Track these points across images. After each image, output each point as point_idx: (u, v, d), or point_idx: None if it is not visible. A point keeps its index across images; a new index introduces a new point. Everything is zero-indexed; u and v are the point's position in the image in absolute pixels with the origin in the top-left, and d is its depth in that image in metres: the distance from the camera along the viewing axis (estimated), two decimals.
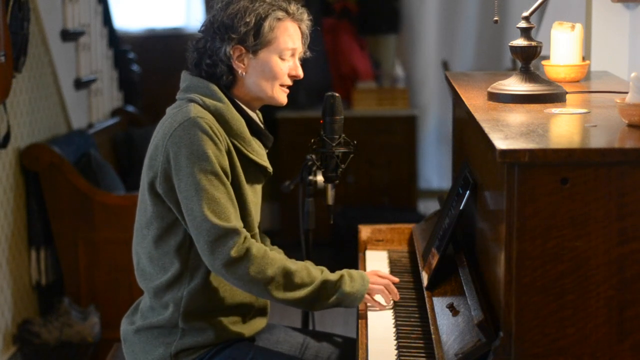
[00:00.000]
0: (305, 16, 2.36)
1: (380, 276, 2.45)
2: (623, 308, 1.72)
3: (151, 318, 2.35)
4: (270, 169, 2.39)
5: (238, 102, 2.34)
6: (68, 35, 4.68)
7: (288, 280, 2.25)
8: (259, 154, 2.36)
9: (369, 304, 2.36)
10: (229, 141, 2.27)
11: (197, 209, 2.19)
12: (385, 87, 6.19)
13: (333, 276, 2.31)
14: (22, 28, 3.76)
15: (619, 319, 1.72)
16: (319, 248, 2.94)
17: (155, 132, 2.32)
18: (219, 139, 2.23)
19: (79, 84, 4.85)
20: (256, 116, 2.43)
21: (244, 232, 2.23)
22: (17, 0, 3.66)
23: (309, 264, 2.53)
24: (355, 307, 2.33)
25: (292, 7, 2.33)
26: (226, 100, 2.30)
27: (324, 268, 2.47)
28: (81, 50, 4.91)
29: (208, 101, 2.28)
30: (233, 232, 2.20)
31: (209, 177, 2.20)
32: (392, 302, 2.38)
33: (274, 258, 2.25)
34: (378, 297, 2.37)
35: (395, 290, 2.39)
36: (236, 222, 2.23)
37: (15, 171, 4.07)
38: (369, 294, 2.34)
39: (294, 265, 2.28)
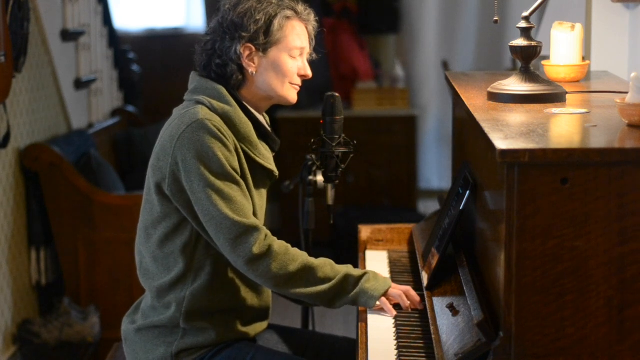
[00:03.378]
0: (312, 17, 2.38)
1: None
2: (623, 308, 1.72)
3: (152, 317, 2.35)
4: (276, 172, 2.39)
5: (246, 104, 2.34)
6: (68, 35, 4.68)
7: (311, 275, 2.26)
8: (266, 157, 2.36)
9: (382, 309, 2.33)
10: (237, 144, 2.28)
11: (214, 209, 2.19)
12: (385, 87, 6.19)
13: (357, 272, 2.31)
14: (22, 28, 3.76)
15: (619, 319, 1.72)
16: (319, 248, 2.93)
17: (162, 132, 2.32)
18: (227, 139, 2.23)
19: (79, 84, 4.85)
20: (264, 119, 2.42)
21: (264, 229, 2.24)
22: (17, 0, 3.66)
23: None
24: (371, 306, 2.31)
25: (300, 7, 2.35)
26: (234, 103, 2.30)
27: (350, 265, 2.47)
28: (81, 50, 4.91)
29: (216, 104, 2.28)
30: (254, 229, 2.21)
31: (221, 178, 2.20)
32: (409, 309, 2.34)
33: (296, 254, 2.26)
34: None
35: (418, 298, 2.34)
36: (255, 219, 2.24)
37: (15, 171, 4.07)
38: (386, 297, 2.32)
39: (316, 261, 2.29)
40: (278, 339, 2.53)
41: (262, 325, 2.46)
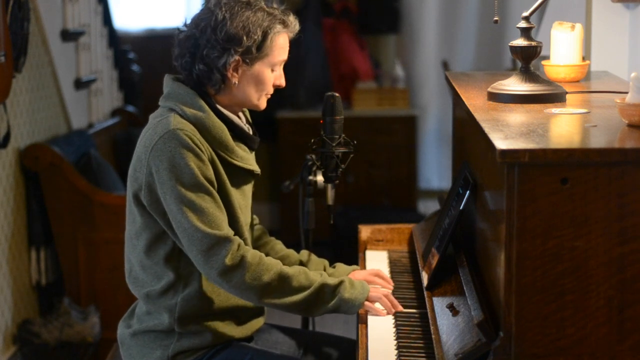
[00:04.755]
0: (297, 27, 2.35)
1: (380, 277, 2.44)
2: (623, 308, 1.72)
3: (147, 322, 2.35)
4: (257, 171, 2.38)
5: (220, 108, 2.32)
6: (68, 35, 4.68)
7: (285, 284, 2.24)
8: (244, 158, 2.34)
9: (368, 312, 2.34)
10: (211, 151, 2.26)
11: (185, 221, 2.19)
12: (385, 87, 6.19)
13: (332, 280, 2.30)
14: (22, 28, 3.76)
15: (619, 319, 1.72)
16: (319, 248, 2.93)
17: (138, 142, 2.30)
18: (200, 149, 2.21)
19: (79, 84, 4.85)
20: (242, 118, 2.41)
21: (237, 239, 2.23)
22: (17, 0, 3.66)
23: (310, 255, 2.53)
24: (354, 313, 2.32)
25: (290, 19, 2.32)
26: (207, 108, 2.28)
27: (325, 262, 2.47)
28: (81, 50, 4.91)
29: (188, 111, 2.26)
30: (226, 239, 2.20)
31: (194, 189, 2.19)
32: (392, 311, 2.35)
33: (270, 263, 2.25)
34: (377, 305, 2.35)
35: (395, 301, 2.36)
36: (227, 230, 2.22)
37: (15, 171, 4.07)
38: (368, 300, 2.32)
39: (290, 269, 2.27)
40: (277, 338, 2.53)
41: (258, 322, 2.46)
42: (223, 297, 2.33)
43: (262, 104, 2.36)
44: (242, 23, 2.25)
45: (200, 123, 2.26)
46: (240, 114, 2.41)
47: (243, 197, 2.37)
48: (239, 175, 2.34)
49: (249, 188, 2.40)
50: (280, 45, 2.30)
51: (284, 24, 2.30)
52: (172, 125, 2.22)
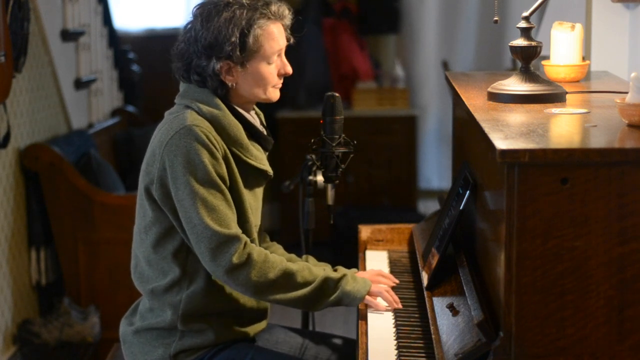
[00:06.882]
0: (287, 12, 2.32)
1: (383, 276, 2.46)
2: (623, 308, 1.72)
3: (150, 319, 2.35)
4: (270, 171, 2.39)
5: (235, 106, 2.33)
6: (68, 35, 4.68)
7: (290, 280, 2.26)
8: (258, 158, 2.35)
9: (369, 306, 2.36)
10: (226, 148, 2.27)
11: (196, 217, 2.19)
12: (385, 87, 6.19)
13: (335, 274, 2.32)
14: (22, 28, 3.76)
15: (619, 319, 1.72)
16: (319, 248, 2.94)
17: (152, 137, 2.32)
18: (215, 146, 2.22)
19: (79, 84, 4.85)
20: (256, 118, 2.42)
21: (244, 237, 2.24)
22: (17, 0, 3.66)
23: (311, 260, 2.54)
24: (355, 306, 2.34)
25: (273, 8, 2.29)
26: (223, 106, 2.29)
27: (327, 266, 2.48)
28: (81, 50, 4.91)
29: (204, 108, 2.27)
30: (234, 238, 2.21)
31: (206, 186, 2.20)
32: (394, 305, 2.36)
33: (275, 261, 2.26)
34: (379, 300, 2.37)
35: (397, 297, 2.38)
36: (236, 228, 2.23)
37: (15, 171, 4.07)
38: (369, 295, 2.34)
39: (295, 265, 2.29)
40: (278, 338, 2.53)
41: (260, 325, 2.47)
42: (227, 297, 2.34)
43: (272, 96, 2.36)
44: (217, 29, 2.23)
45: (216, 120, 2.26)
46: (255, 115, 2.41)
47: (254, 199, 2.38)
48: (252, 176, 2.35)
49: (260, 190, 2.41)
50: (270, 37, 2.28)
51: (267, 15, 2.27)
52: (188, 121, 2.23)
